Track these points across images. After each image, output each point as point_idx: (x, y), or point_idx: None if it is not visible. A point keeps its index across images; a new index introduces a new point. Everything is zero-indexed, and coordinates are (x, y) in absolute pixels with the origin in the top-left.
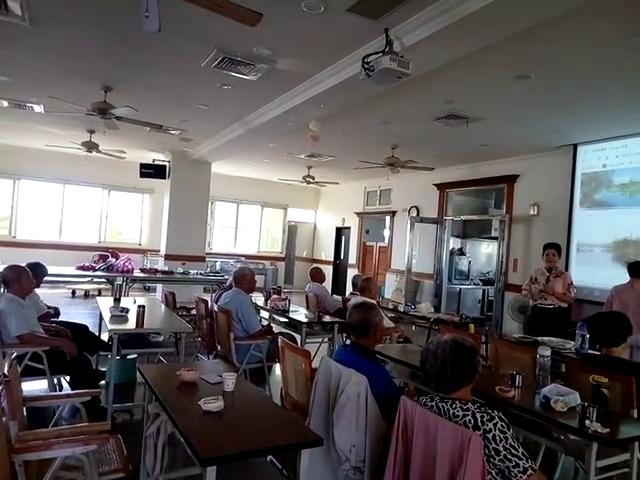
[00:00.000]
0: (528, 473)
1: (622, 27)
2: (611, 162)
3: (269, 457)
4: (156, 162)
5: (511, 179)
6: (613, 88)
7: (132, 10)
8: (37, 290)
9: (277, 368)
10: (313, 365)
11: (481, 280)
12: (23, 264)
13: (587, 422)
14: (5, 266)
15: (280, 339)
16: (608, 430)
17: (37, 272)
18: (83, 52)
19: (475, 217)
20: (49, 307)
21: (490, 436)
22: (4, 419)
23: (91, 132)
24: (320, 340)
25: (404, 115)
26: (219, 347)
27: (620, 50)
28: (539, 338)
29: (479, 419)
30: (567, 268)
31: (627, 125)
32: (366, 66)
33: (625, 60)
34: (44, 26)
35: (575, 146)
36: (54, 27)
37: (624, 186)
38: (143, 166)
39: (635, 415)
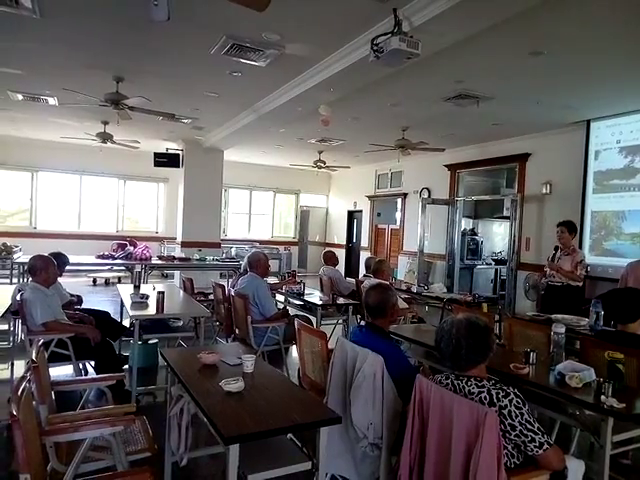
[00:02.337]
0: (544, 447)
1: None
2: (625, 137)
3: (289, 435)
4: (169, 151)
5: (523, 158)
6: (626, 62)
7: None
8: (59, 279)
9: (294, 350)
10: (329, 346)
11: (493, 260)
12: (44, 254)
13: (602, 397)
14: (31, 256)
15: (296, 321)
16: (624, 405)
17: (59, 262)
18: (94, 43)
19: (487, 197)
20: (72, 295)
21: (506, 412)
22: (34, 403)
23: (105, 123)
24: (335, 322)
25: (414, 96)
26: (237, 330)
27: (633, 23)
28: (553, 316)
29: (494, 395)
30: (581, 247)
31: None
32: (375, 48)
33: (638, 35)
34: (54, 18)
35: (588, 122)
36: (64, 19)
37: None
38: (157, 155)
39: None
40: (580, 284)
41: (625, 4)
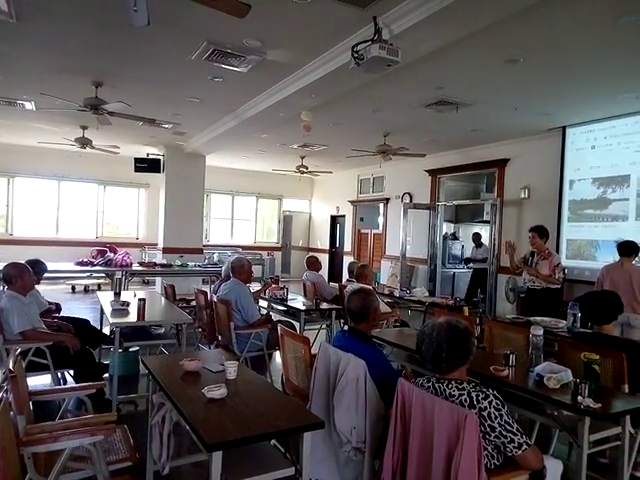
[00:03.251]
0: (523, 448)
1: (607, 9)
2: (600, 143)
3: (272, 441)
4: (150, 156)
5: (502, 163)
6: (600, 70)
7: (121, 4)
8: (37, 287)
9: (277, 355)
10: (312, 351)
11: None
12: (22, 261)
13: (579, 398)
14: (5, 264)
15: (279, 327)
16: (600, 405)
17: (37, 269)
18: (72, 47)
19: (467, 202)
20: (50, 303)
21: (485, 414)
22: (11, 414)
23: (84, 128)
24: (318, 327)
25: (395, 102)
26: (220, 337)
27: (606, 32)
28: (532, 318)
29: (474, 398)
30: (558, 249)
31: (615, 106)
32: (356, 55)
33: (611, 42)
34: (31, 22)
35: (564, 128)
36: (42, 23)
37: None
38: (137, 160)
39: (626, 390)
40: (559, 286)
41: (599, 12)
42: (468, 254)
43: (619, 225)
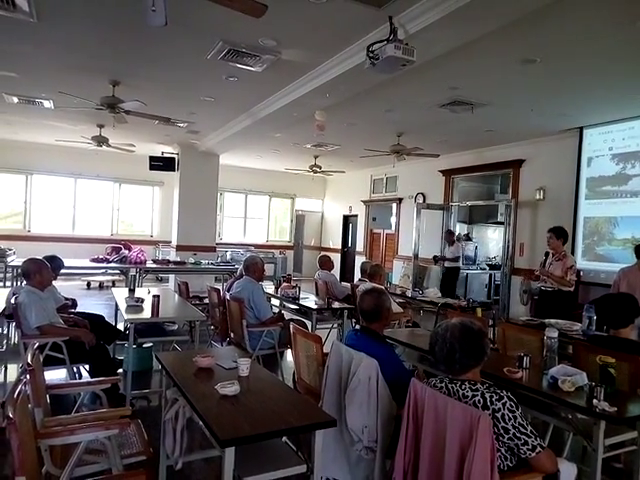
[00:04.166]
0: (537, 451)
1: (625, 11)
2: (617, 145)
3: (284, 438)
4: (165, 155)
5: (517, 164)
6: (618, 70)
7: (138, 4)
8: (54, 282)
9: (289, 354)
10: (324, 350)
11: (488, 265)
12: (39, 257)
13: (595, 401)
14: (24, 259)
15: (291, 325)
16: (615, 409)
17: (54, 265)
18: (90, 47)
19: (481, 202)
20: (66, 299)
21: (499, 415)
22: (29, 406)
23: (100, 126)
24: (330, 326)
25: (409, 103)
26: (232, 334)
27: (624, 33)
28: (546, 320)
29: (488, 399)
30: (573, 252)
31: (633, 107)
32: (371, 55)
33: (629, 43)
34: (51, 22)
35: (581, 129)
36: (61, 22)
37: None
38: (152, 159)
39: None
40: (571, 289)
41: (616, 13)
42: (481, 255)
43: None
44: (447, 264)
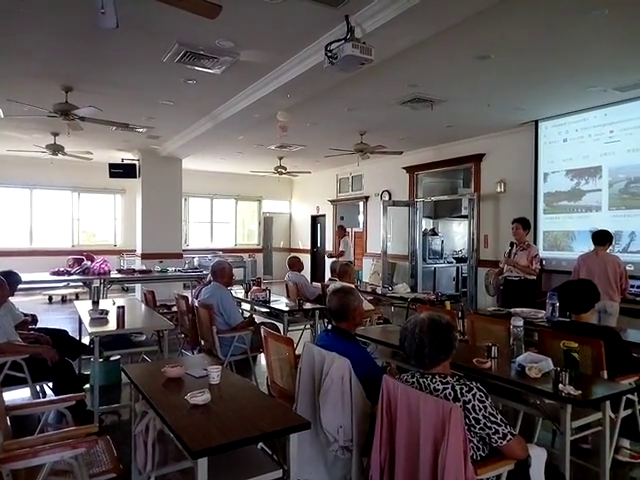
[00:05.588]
0: (507, 438)
1: (575, 4)
2: (571, 136)
3: (259, 444)
4: (125, 161)
5: (477, 158)
6: (569, 64)
7: (88, 6)
8: (12, 298)
9: (262, 358)
10: (296, 352)
11: (454, 258)
12: None
13: (560, 386)
14: None
15: (262, 329)
16: (580, 392)
17: (10, 280)
18: (40, 52)
19: (445, 197)
20: (26, 315)
21: (470, 406)
22: None
23: (55, 134)
24: (302, 327)
25: (370, 101)
26: (203, 342)
27: (573, 26)
28: (512, 310)
29: (458, 391)
30: (535, 241)
31: (585, 99)
32: (329, 54)
33: (579, 37)
34: None
35: (536, 122)
36: (7, 26)
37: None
38: (112, 166)
39: (605, 376)
40: (535, 277)
41: (566, 10)
42: (448, 249)
43: (593, 215)
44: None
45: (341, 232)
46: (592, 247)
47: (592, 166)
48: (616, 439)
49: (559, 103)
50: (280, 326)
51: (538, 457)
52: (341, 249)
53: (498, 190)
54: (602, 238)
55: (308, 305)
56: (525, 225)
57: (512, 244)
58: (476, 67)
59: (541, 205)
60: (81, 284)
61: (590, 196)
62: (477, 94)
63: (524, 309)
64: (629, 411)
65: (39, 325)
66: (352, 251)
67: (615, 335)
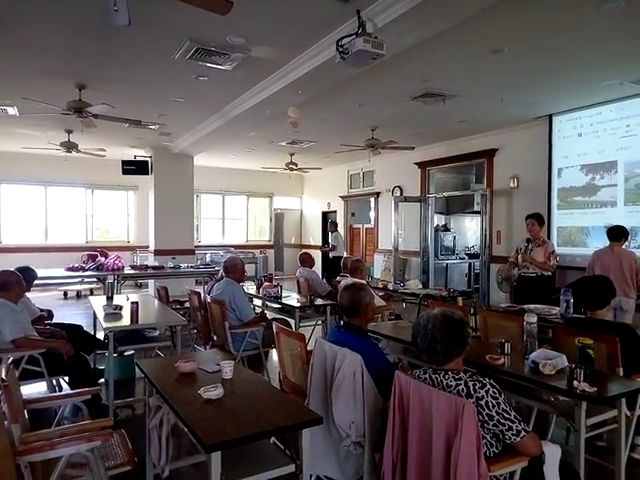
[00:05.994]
0: (521, 435)
1: None
2: (586, 130)
3: (272, 439)
4: (137, 158)
5: (490, 153)
6: (583, 57)
7: (101, 4)
8: (28, 294)
9: (273, 353)
10: (308, 348)
11: (467, 254)
12: (11, 269)
13: (575, 383)
14: None
15: (274, 325)
16: (595, 389)
17: (27, 276)
18: (54, 50)
19: (457, 193)
20: (42, 310)
21: (483, 403)
22: (6, 423)
23: (69, 132)
24: (314, 323)
25: (382, 96)
26: (215, 337)
27: (588, 20)
28: (525, 306)
29: (471, 387)
30: (549, 237)
31: (599, 93)
32: (340, 49)
33: (593, 29)
34: (11, 25)
35: (550, 117)
36: (22, 26)
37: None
38: (125, 163)
39: (621, 373)
40: (551, 274)
41: (580, 2)
42: (460, 245)
43: (608, 211)
44: (331, 254)
45: (332, 227)
46: (607, 243)
47: (607, 161)
48: (632, 437)
49: (574, 97)
50: (292, 322)
51: (552, 454)
52: (332, 243)
53: (511, 185)
54: (618, 234)
55: (319, 301)
56: (540, 221)
57: (528, 240)
58: (489, 61)
59: (555, 201)
60: (95, 280)
61: (605, 191)
62: (490, 88)
63: (537, 305)
64: None
65: (55, 320)
66: (345, 245)
67: (631, 332)
